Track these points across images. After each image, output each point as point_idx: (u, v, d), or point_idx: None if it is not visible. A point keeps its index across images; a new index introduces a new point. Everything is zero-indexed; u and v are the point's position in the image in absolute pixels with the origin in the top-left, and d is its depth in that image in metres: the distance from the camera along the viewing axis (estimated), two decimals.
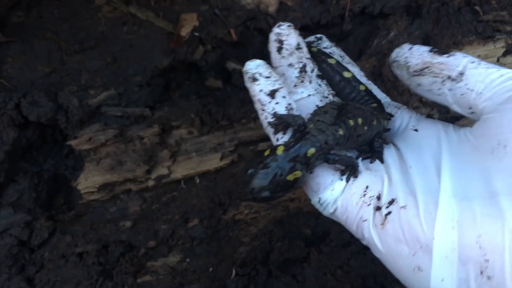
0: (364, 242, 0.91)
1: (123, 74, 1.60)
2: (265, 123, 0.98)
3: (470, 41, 1.58)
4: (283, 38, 1.05)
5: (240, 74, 1.70)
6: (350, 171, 0.93)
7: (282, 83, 1.00)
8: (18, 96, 1.49)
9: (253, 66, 1.00)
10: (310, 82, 1.06)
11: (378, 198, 0.88)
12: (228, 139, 1.54)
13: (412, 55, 0.95)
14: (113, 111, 1.55)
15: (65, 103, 1.52)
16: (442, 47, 1.62)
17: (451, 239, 0.77)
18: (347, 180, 0.92)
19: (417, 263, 0.80)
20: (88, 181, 1.47)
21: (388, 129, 1.07)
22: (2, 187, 1.46)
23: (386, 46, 1.56)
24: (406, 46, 0.98)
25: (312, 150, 0.91)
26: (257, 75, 0.99)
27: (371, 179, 0.92)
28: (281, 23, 1.07)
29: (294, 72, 1.04)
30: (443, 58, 0.91)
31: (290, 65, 1.04)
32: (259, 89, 0.98)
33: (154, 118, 1.54)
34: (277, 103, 0.97)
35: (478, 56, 1.56)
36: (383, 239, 0.85)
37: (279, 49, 1.05)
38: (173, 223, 1.48)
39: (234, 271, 1.41)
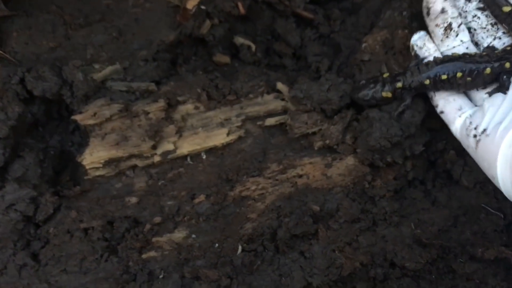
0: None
1: (129, 49, 1.57)
2: None
3: None
4: (430, 5, 1.37)
5: (248, 49, 1.67)
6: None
7: (432, 48, 1.37)
8: (22, 70, 1.47)
9: (416, 38, 1.41)
10: (457, 35, 1.34)
11: (475, 128, 1.22)
12: (235, 114, 1.51)
13: None
14: (118, 86, 1.52)
15: (70, 78, 1.50)
16: None
17: (508, 152, 1.11)
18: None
19: (492, 173, 1.18)
20: (93, 156, 1.45)
21: None
22: (8, 163, 1.44)
23: (399, 18, 1.51)
24: None
25: (399, 85, 1.35)
26: (415, 47, 1.40)
27: (476, 116, 1.24)
28: None
29: (440, 31, 1.35)
30: None
31: (437, 25, 1.35)
32: (413, 55, 1.40)
33: (160, 93, 1.52)
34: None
35: None
36: (477, 158, 1.24)
37: (427, 13, 1.38)
38: (179, 199, 1.46)
39: (240, 247, 1.39)
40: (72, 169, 1.56)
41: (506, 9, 1.26)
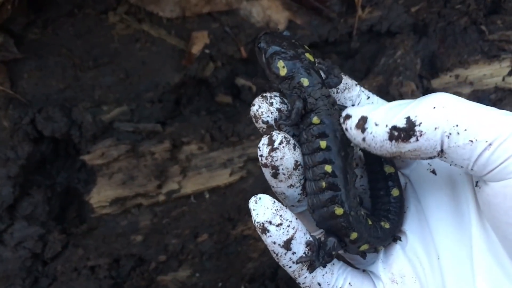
0: None
1: (135, 90, 1.64)
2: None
3: (475, 60, 1.61)
4: (277, 163, 0.82)
5: (249, 90, 1.74)
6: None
7: (296, 222, 0.83)
8: (33, 111, 1.53)
9: (260, 212, 0.81)
10: None
11: None
12: (238, 155, 1.57)
13: (370, 147, 0.76)
14: (125, 127, 1.59)
15: (79, 119, 1.56)
16: (448, 66, 1.64)
17: None
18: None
19: None
20: (101, 195, 1.51)
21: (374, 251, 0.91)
22: (17, 200, 1.49)
23: (393, 65, 1.59)
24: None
25: None
26: (266, 225, 0.81)
27: None
28: (272, 146, 0.81)
29: (296, 191, 0.88)
30: (411, 145, 0.72)
31: (291, 186, 0.86)
32: (271, 241, 0.82)
33: (165, 134, 1.58)
34: (293, 253, 0.83)
35: (484, 76, 1.59)
36: None
37: (275, 175, 0.84)
38: (183, 237, 1.51)
39: (242, 286, 1.44)
40: (78, 205, 1.61)
41: (390, 169, 0.92)
